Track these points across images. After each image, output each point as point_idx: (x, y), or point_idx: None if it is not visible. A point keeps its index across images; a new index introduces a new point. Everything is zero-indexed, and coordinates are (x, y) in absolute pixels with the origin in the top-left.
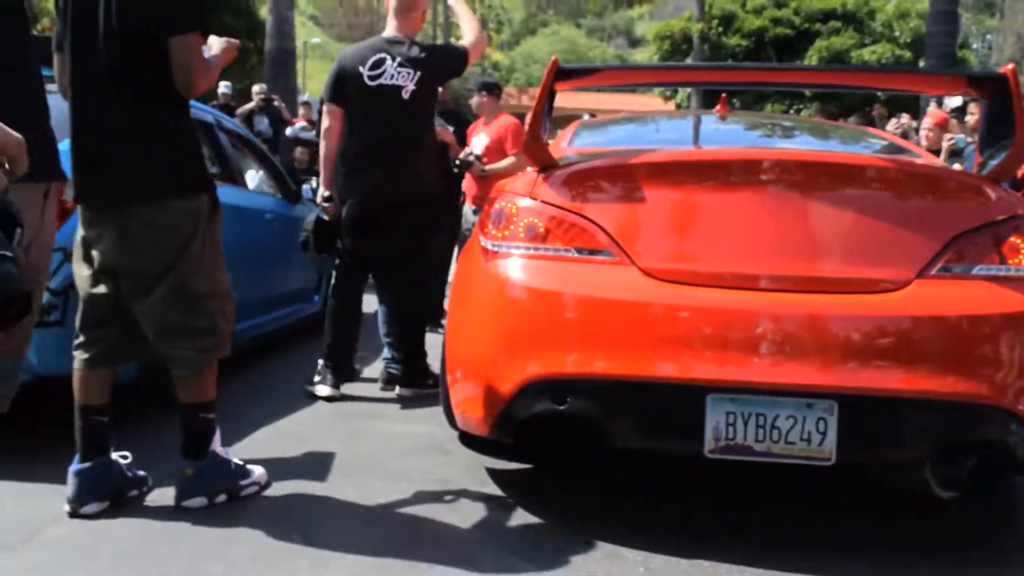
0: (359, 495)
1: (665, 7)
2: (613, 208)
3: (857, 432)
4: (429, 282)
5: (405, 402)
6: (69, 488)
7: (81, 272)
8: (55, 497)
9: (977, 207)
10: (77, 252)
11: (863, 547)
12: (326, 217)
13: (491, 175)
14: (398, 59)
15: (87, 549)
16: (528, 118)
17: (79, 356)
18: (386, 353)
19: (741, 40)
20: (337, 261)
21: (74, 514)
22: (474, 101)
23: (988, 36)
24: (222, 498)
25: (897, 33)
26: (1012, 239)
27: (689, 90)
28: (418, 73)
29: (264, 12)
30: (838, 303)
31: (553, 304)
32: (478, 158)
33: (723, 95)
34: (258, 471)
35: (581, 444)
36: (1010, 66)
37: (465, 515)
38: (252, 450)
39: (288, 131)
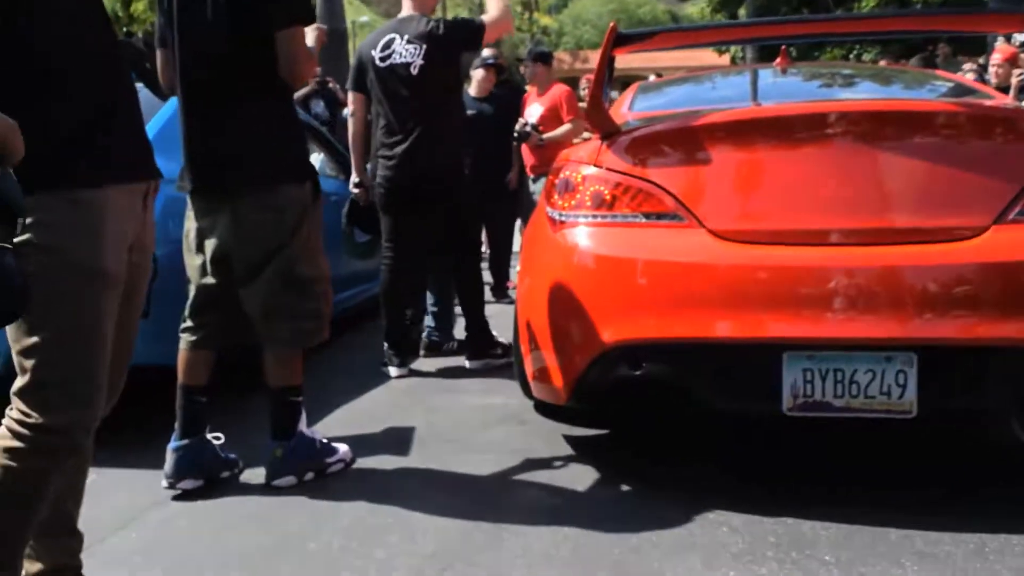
0: (440, 467)
1: None
2: (678, 171)
3: (938, 383)
4: (476, 253)
5: (477, 374)
6: (168, 464)
7: (193, 262)
8: (154, 483)
9: None
10: (188, 243)
11: (952, 502)
12: (360, 203)
13: (549, 144)
14: (407, 36)
15: (187, 529)
16: (590, 86)
17: (185, 339)
18: (428, 321)
19: None
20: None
21: (171, 487)
22: (527, 71)
23: None
24: (310, 476)
25: None
26: None
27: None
28: (425, 47)
29: None
30: (912, 253)
31: (624, 270)
32: (535, 128)
33: (783, 47)
34: (343, 448)
35: (659, 408)
36: None
37: (546, 483)
38: (332, 429)
39: (344, 112)
